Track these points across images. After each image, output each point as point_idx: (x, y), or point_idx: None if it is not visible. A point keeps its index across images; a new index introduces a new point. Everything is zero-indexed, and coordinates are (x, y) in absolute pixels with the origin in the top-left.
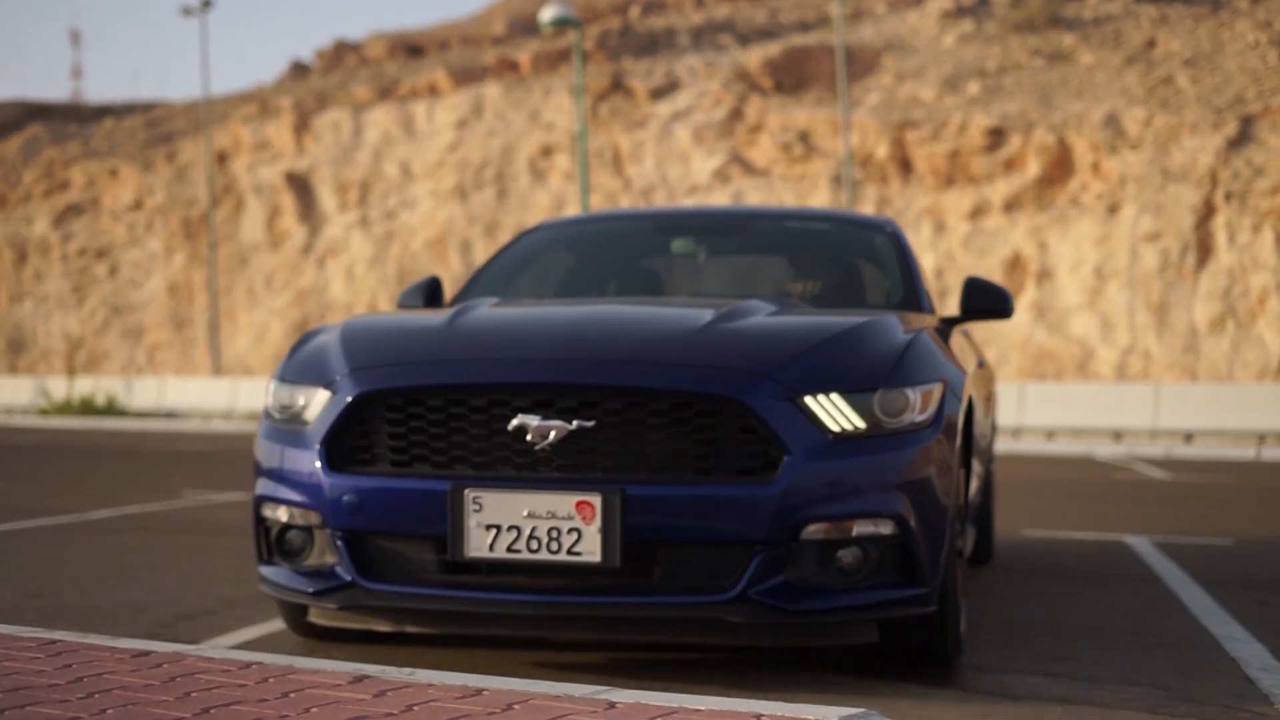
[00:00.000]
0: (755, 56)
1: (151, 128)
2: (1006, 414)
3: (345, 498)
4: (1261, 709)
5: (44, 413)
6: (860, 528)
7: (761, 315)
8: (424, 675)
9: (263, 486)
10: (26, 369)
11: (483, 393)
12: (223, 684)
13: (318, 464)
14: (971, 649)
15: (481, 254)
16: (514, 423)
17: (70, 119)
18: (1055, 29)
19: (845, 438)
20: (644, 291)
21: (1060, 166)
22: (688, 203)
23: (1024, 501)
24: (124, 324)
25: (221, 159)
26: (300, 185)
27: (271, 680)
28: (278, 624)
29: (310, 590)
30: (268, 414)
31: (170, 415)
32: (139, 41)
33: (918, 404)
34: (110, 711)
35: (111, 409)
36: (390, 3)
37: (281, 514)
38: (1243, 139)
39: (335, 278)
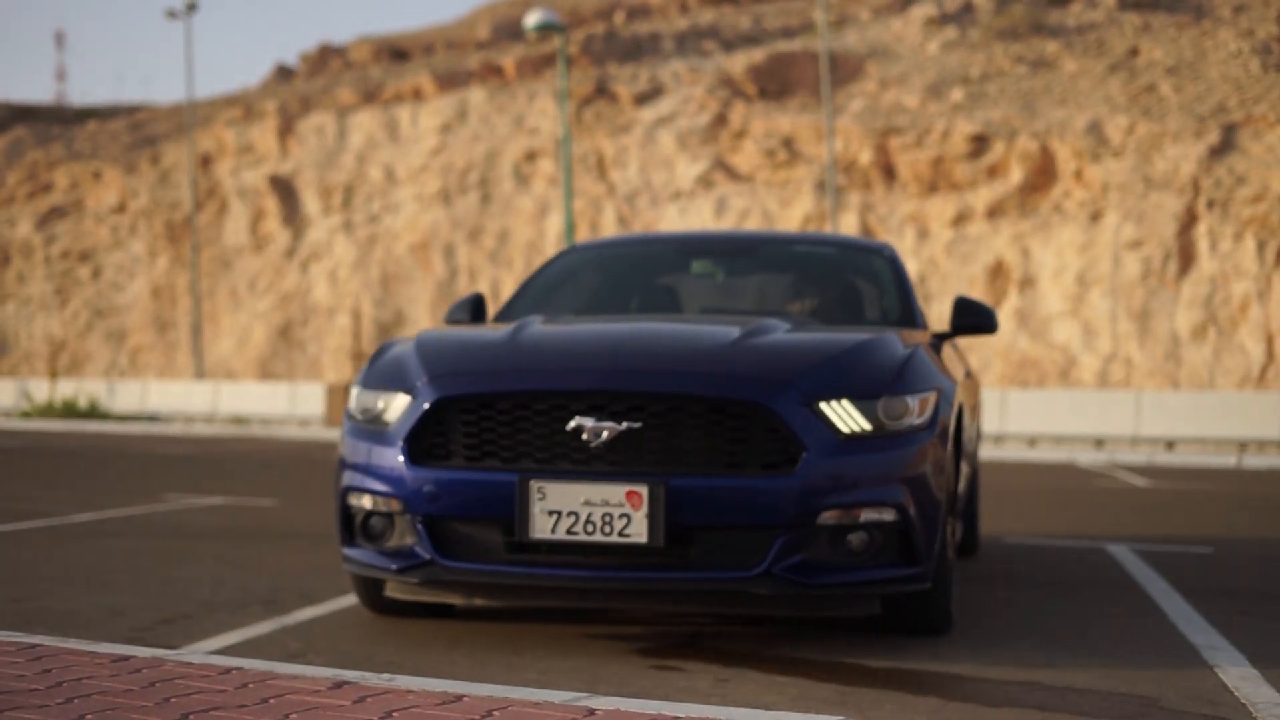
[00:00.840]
0: (739, 62)
1: (135, 130)
2: (989, 421)
3: (425, 488)
4: (1240, 718)
5: (26, 415)
6: (867, 515)
7: (780, 332)
8: (403, 681)
9: (348, 478)
10: (9, 371)
11: (545, 398)
12: (202, 689)
13: (400, 459)
14: (950, 656)
15: (465, 258)
16: (572, 424)
17: (54, 121)
18: (1038, 36)
19: (854, 438)
20: (668, 307)
21: (1043, 174)
22: (671, 208)
23: (1005, 508)
24: (107, 327)
25: (205, 162)
26: (284, 189)
27: (251, 685)
28: (257, 629)
29: (394, 568)
30: (350, 416)
31: (153, 418)
32: (123, 44)
33: (916, 409)
34: (89, 717)
35: (94, 412)
36: (375, 6)
37: (366, 502)
38: (1225, 147)
39: (319, 281)
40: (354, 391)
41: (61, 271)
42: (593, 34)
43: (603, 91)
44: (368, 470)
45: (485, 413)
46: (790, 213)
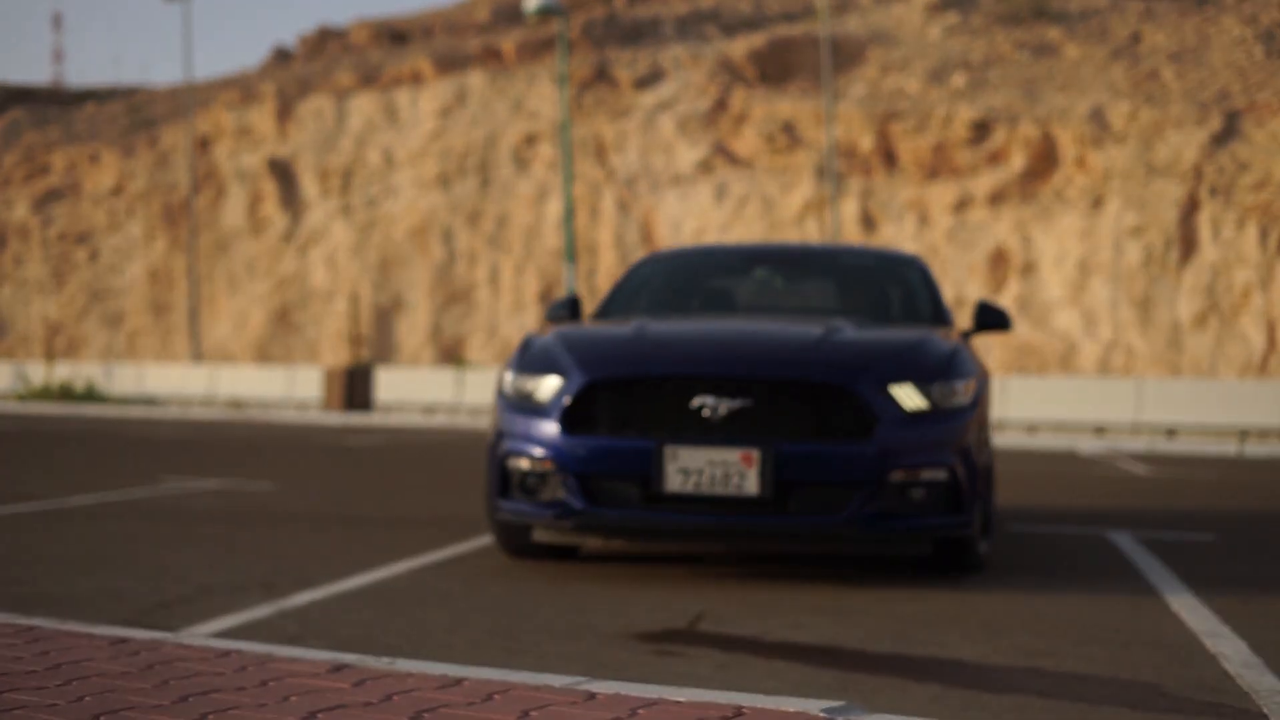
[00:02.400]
0: (740, 47)
1: (133, 113)
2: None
3: (577, 452)
4: (1243, 705)
5: (22, 398)
6: (926, 475)
7: (853, 331)
8: (404, 665)
9: (508, 445)
10: (5, 354)
11: (674, 381)
12: (201, 671)
13: (556, 428)
14: (951, 643)
15: (463, 242)
16: (695, 401)
17: (52, 103)
18: (1041, 22)
19: (916, 414)
20: (735, 308)
21: (1044, 160)
22: (671, 193)
23: (1006, 496)
24: (104, 310)
25: (203, 145)
26: (282, 172)
27: (250, 668)
28: (256, 613)
29: (551, 515)
30: (503, 394)
31: (149, 402)
32: (121, 26)
33: (962, 391)
34: (88, 699)
35: (91, 395)
36: None
37: (524, 464)
38: (1227, 134)
39: (316, 265)
40: (508, 376)
41: (58, 254)
42: (593, 17)
43: (602, 75)
44: (526, 438)
45: (625, 392)
46: (790, 198)
